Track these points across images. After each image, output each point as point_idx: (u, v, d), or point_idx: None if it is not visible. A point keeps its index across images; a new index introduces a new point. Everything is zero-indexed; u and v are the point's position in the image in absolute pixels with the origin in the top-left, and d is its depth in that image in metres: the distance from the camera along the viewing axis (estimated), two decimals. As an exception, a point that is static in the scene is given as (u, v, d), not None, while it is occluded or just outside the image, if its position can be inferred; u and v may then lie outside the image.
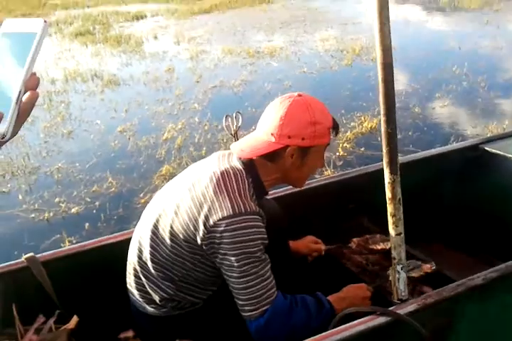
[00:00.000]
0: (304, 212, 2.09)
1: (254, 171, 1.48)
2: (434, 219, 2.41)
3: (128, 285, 1.64)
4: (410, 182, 2.24)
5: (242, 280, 1.36)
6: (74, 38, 9.96)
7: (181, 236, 1.44)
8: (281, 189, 2.11)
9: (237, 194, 1.40)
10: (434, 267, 1.78)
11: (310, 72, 6.58)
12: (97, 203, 3.56)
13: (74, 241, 3.04)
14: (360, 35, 8.08)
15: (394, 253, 1.47)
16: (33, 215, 3.49)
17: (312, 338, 1.31)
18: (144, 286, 1.56)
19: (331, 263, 1.95)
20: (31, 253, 1.71)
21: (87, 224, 3.26)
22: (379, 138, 4.16)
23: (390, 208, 1.44)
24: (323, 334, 1.33)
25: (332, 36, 8.55)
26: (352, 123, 4.65)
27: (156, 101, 5.77)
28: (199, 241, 1.41)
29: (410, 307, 1.42)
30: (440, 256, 2.11)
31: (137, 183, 3.73)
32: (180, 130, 4.79)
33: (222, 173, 1.45)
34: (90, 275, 1.75)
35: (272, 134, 1.44)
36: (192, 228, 1.41)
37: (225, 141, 4.34)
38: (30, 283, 1.66)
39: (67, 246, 1.90)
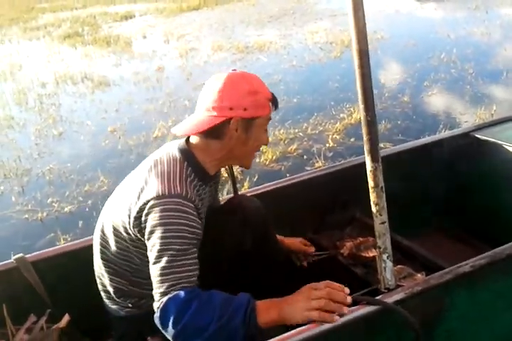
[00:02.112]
0: (295, 205, 2.08)
1: (192, 155, 1.44)
2: (428, 208, 2.41)
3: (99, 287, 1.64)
4: (402, 172, 2.25)
5: (154, 266, 1.30)
6: (63, 40, 9.95)
7: (121, 227, 1.42)
8: (270, 183, 2.12)
9: (165, 177, 1.36)
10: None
11: (299, 65, 6.59)
12: (89, 202, 3.57)
13: (69, 239, 3.06)
14: (349, 27, 8.06)
15: (379, 242, 1.44)
16: (26, 216, 3.50)
17: (298, 329, 1.27)
18: (104, 285, 1.57)
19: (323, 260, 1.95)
20: (20, 254, 1.72)
21: (80, 222, 3.28)
22: (368, 128, 4.16)
23: (372, 197, 1.41)
24: (306, 326, 1.28)
25: (321, 28, 8.56)
26: (341, 115, 4.66)
27: (146, 100, 5.77)
28: (132, 228, 1.38)
29: (397, 296, 1.39)
30: (435, 246, 2.11)
31: (128, 182, 3.74)
32: (170, 127, 4.75)
33: (155, 161, 1.44)
34: (80, 274, 1.74)
35: (212, 108, 1.38)
36: (126, 217, 1.39)
37: (215, 136, 4.34)
38: (21, 283, 1.68)
39: (56, 246, 1.90)
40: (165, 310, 1.23)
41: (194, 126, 1.41)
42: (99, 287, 1.60)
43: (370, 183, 1.41)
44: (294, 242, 1.91)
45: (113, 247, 1.48)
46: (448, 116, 4.46)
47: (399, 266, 1.73)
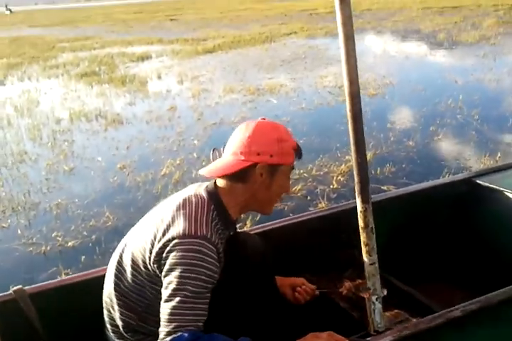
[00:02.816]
0: (295, 245, 2.10)
1: (218, 199, 1.48)
2: (428, 252, 2.39)
3: (104, 320, 1.64)
4: (403, 215, 2.27)
5: (165, 304, 1.32)
6: (80, 78, 10.29)
7: (140, 261, 1.45)
8: (271, 222, 2.13)
9: (192, 218, 1.39)
10: None
11: (308, 108, 6.72)
12: (93, 237, 3.62)
13: (70, 273, 3.07)
14: (358, 72, 8.26)
15: (369, 284, 1.45)
16: (30, 249, 3.54)
17: None
18: (113, 318, 1.58)
19: (321, 298, 1.93)
20: (19, 286, 1.73)
21: (83, 257, 3.31)
22: (373, 172, 4.22)
23: (362, 237, 1.42)
24: None
25: (331, 73, 8.76)
26: (347, 157, 4.71)
27: (157, 138, 5.90)
28: (151, 263, 1.40)
29: (386, 339, 1.38)
30: (434, 291, 2.09)
31: (133, 217, 3.76)
32: (178, 165, 4.88)
33: (184, 200, 1.47)
34: (77, 308, 1.76)
35: (240, 153, 1.45)
36: (148, 251, 1.41)
37: (221, 175, 4.40)
38: (17, 315, 1.68)
39: (55, 280, 1.91)
40: None
41: (221, 169, 1.47)
42: (106, 319, 1.61)
43: (360, 224, 1.43)
44: (297, 279, 1.90)
45: (128, 280, 1.50)
46: (452, 161, 4.49)
47: (396, 311, 1.72)
